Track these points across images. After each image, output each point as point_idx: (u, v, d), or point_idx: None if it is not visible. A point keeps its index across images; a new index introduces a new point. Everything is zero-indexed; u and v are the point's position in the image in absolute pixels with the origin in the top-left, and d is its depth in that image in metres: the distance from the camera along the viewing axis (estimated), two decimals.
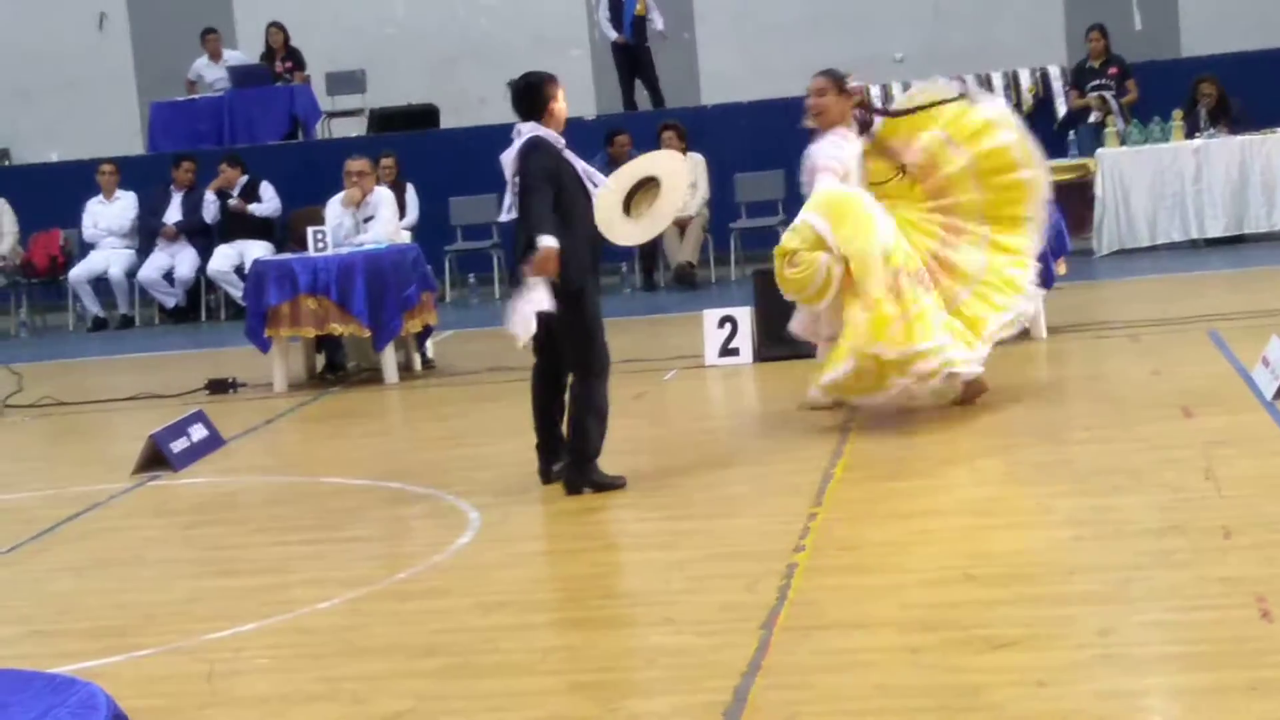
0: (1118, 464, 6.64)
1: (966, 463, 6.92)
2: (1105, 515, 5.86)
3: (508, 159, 7.06)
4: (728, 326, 10.16)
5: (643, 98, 17.42)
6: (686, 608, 5.30)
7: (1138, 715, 4.17)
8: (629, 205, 6.98)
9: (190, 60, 18.09)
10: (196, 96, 17.81)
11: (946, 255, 7.84)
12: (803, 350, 9.97)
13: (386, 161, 14.43)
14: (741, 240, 15.47)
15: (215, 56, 17.90)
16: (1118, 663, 4.42)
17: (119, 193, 16.10)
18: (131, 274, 15.75)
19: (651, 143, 14.98)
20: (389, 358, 10.65)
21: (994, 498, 6.37)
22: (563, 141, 7.11)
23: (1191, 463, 6.48)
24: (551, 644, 5.06)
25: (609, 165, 14.88)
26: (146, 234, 15.93)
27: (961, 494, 6.42)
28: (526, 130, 7.03)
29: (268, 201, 15.64)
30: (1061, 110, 15.99)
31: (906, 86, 16.01)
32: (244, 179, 15.64)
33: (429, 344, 11.22)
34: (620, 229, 6.98)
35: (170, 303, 15.77)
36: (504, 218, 7.33)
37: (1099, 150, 14.65)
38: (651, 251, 14.87)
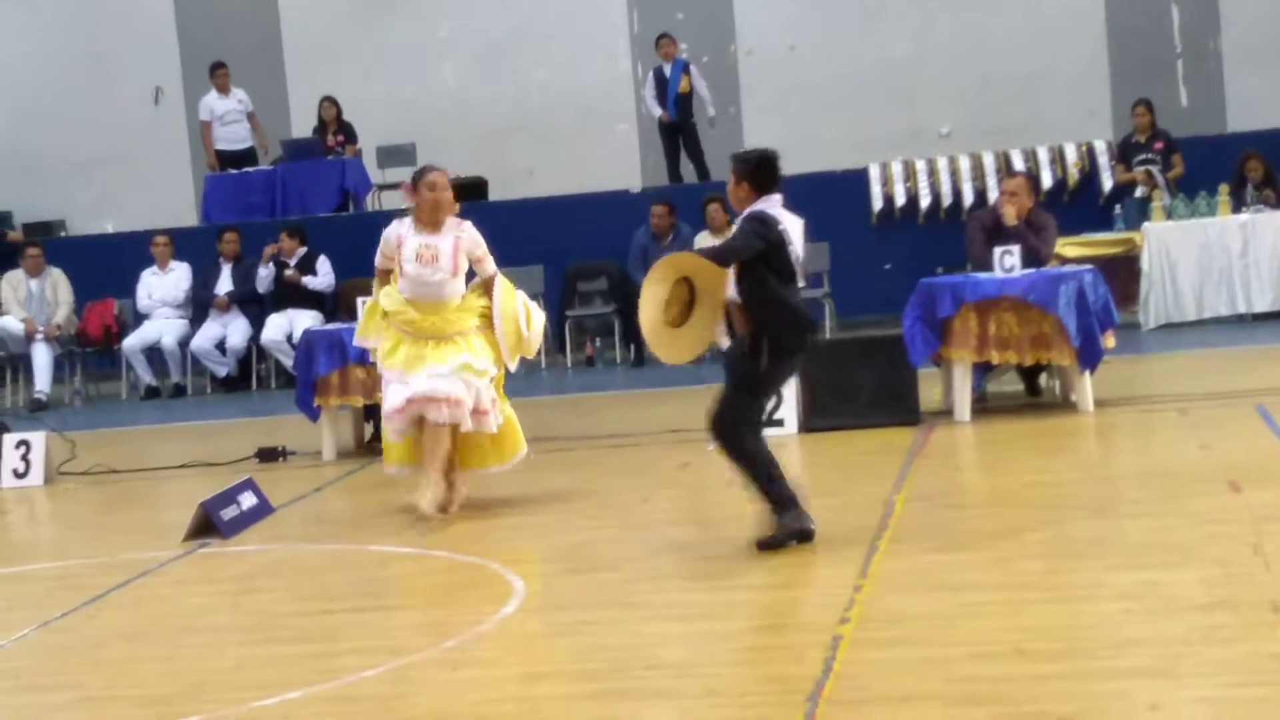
0: (1166, 538, 6.61)
1: (1014, 535, 6.89)
2: (1155, 590, 5.83)
3: (799, 228, 7.04)
4: (773, 397, 10.15)
5: (688, 171, 17.54)
6: (731, 679, 5.29)
7: None
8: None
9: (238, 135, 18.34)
10: (249, 169, 18.04)
11: None
12: (849, 422, 9.99)
13: None
14: None
15: (224, 91, 18.13)
16: None
17: (173, 264, 16.30)
18: (184, 343, 15.92)
19: (697, 215, 15.10)
20: None
21: (1043, 571, 6.34)
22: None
23: (1240, 538, 6.45)
24: (596, 714, 5.06)
25: (652, 238, 15.09)
26: (199, 304, 16.11)
27: (1009, 567, 6.39)
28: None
29: (323, 276, 15.79)
30: (1108, 184, 16.01)
31: (952, 160, 16.31)
32: (302, 250, 15.81)
33: None
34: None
35: (222, 372, 15.92)
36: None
37: (1145, 224, 14.65)
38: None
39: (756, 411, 7.08)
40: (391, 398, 8.20)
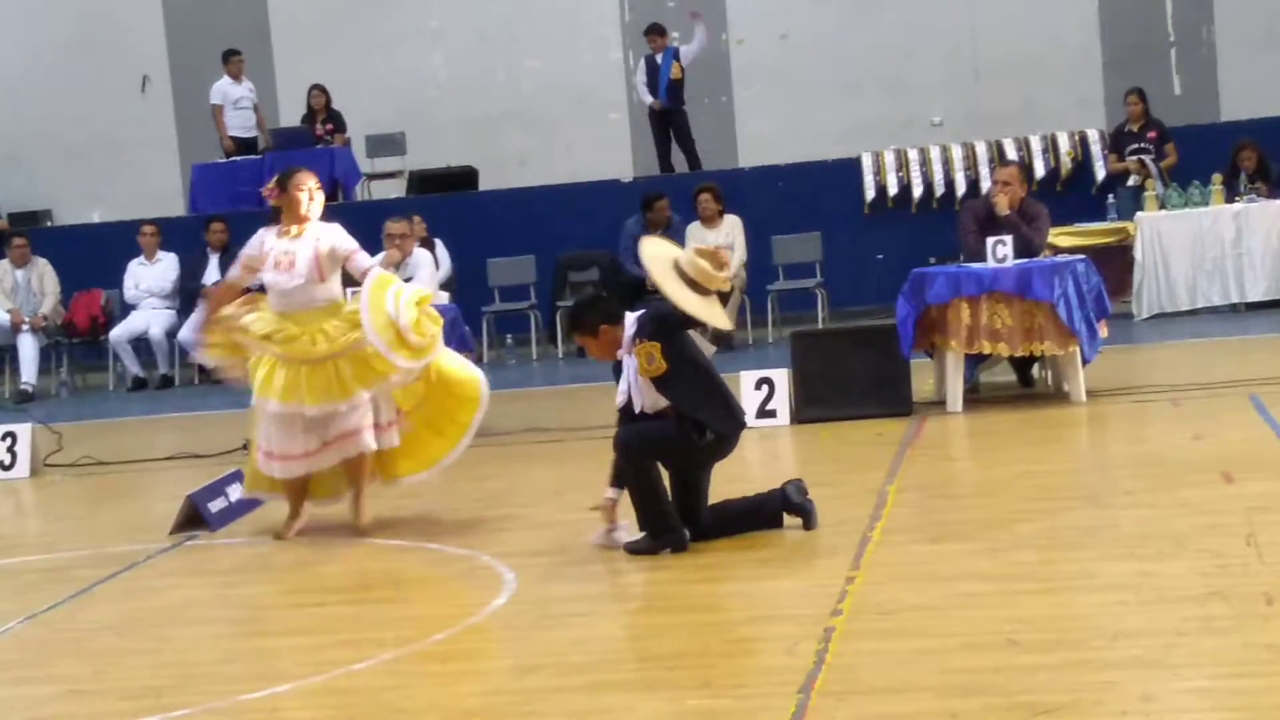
0: (1159, 529, 6.59)
1: (1007, 526, 6.87)
2: (1148, 580, 5.81)
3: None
4: (765, 388, 10.14)
5: (680, 160, 17.50)
6: (725, 671, 5.26)
7: None
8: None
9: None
10: (238, 158, 17.99)
11: None
12: (841, 413, 9.96)
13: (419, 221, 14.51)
14: (779, 302, 15.48)
15: (237, 77, 18.15)
16: None
17: (160, 254, 16.24)
18: (172, 334, 15.86)
19: (688, 205, 15.06)
20: None
21: (1036, 561, 6.32)
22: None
23: (1233, 528, 6.42)
24: (588, 707, 5.03)
25: (644, 228, 15.04)
26: (187, 295, 16.05)
27: (1002, 557, 6.37)
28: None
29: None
30: (1100, 174, 15.99)
31: (945, 150, 16.27)
32: None
33: None
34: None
35: (210, 363, 15.84)
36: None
37: (1138, 214, 14.64)
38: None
39: (659, 459, 6.92)
40: (282, 441, 7.72)
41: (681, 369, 6.83)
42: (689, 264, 6.77)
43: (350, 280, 7.96)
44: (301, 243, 7.80)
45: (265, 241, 7.87)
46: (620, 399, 7.00)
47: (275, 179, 7.98)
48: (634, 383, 6.92)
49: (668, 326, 6.84)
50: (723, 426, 6.89)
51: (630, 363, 6.90)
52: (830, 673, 5.04)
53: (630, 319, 6.94)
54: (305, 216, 7.84)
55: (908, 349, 10.07)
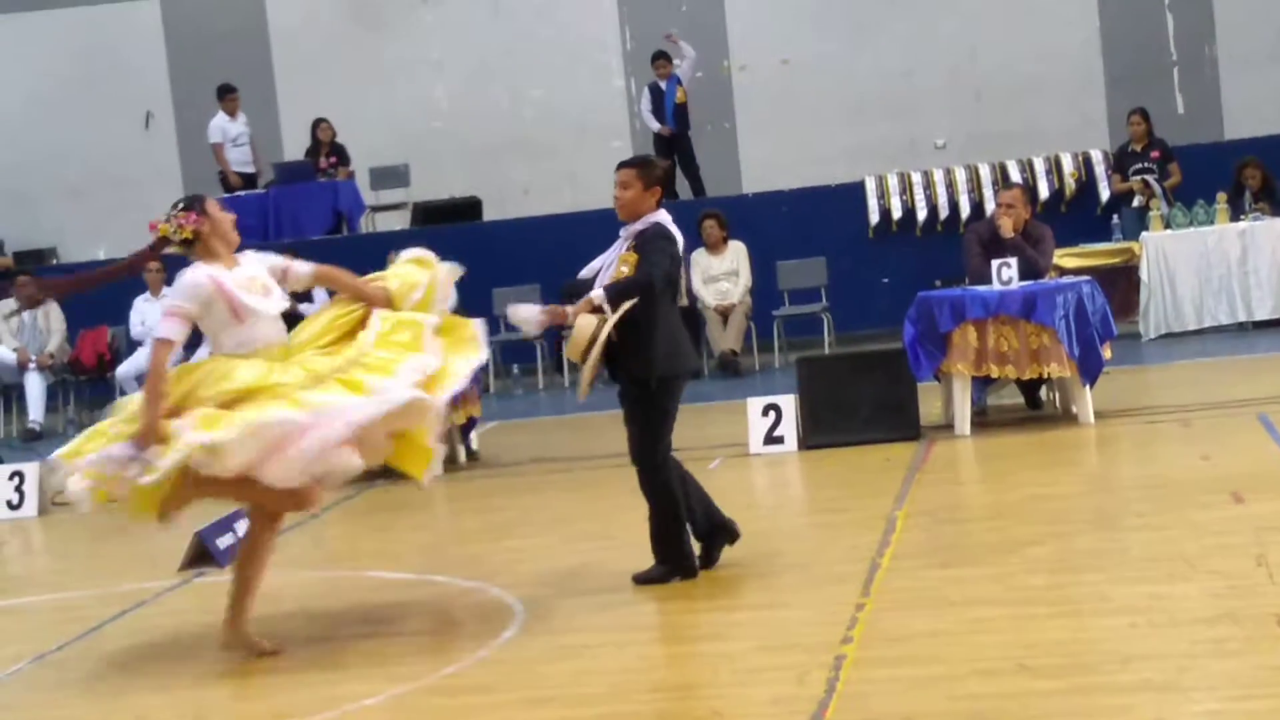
0: (1170, 551, 6.56)
1: (1017, 550, 6.85)
2: (1159, 603, 5.79)
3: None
4: (772, 414, 10.12)
5: (684, 187, 17.51)
6: (735, 701, 5.24)
7: None
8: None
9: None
10: (240, 193, 18.01)
11: None
12: (849, 438, 9.93)
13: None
14: (784, 327, 15.46)
15: (233, 114, 18.22)
16: None
17: (166, 290, 16.24)
18: None
19: (692, 231, 15.07)
20: None
21: (1046, 585, 6.29)
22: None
23: (1243, 549, 6.40)
24: None
25: None
26: (193, 331, 16.01)
27: (1012, 582, 6.35)
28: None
29: (320, 303, 15.74)
30: (1104, 194, 15.97)
31: (949, 172, 16.28)
32: None
33: (473, 436, 11.22)
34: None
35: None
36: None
37: (1143, 234, 14.62)
38: (695, 340, 14.88)
39: (666, 446, 6.92)
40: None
41: (646, 298, 6.77)
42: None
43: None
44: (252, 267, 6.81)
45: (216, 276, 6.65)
46: (586, 273, 7.04)
47: (181, 207, 6.79)
48: (610, 270, 6.94)
49: (652, 251, 6.81)
50: (665, 368, 6.84)
51: (619, 251, 6.95)
52: (841, 701, 5.02)
53: (660, 217, 6.90)
54: (236, 239, 6.91)
55: (923, 373, 10.05)
